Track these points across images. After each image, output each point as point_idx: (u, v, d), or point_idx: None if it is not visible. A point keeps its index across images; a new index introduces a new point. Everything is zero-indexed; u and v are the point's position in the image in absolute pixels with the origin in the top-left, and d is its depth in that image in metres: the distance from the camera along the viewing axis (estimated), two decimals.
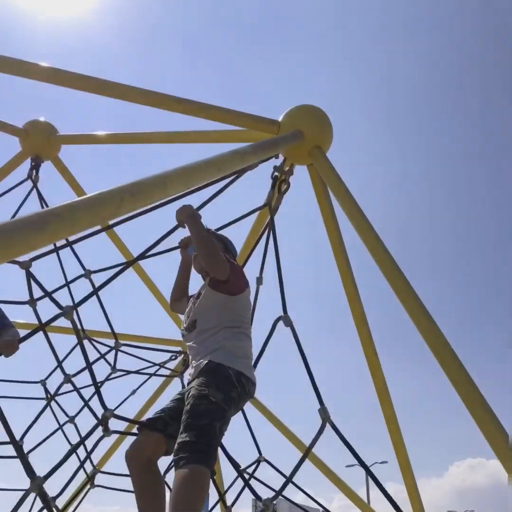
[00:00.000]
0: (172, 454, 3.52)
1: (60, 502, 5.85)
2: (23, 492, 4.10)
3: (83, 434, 5.38)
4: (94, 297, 6.81)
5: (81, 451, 5.76)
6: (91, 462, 6.45)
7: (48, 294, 5.07)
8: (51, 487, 4.95)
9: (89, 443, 5.23)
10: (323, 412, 4.17)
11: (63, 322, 4.55)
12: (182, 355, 8.17)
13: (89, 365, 4.72)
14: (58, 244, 6.04)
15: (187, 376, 4.27)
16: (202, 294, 4.37)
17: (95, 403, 4.66)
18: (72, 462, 5.50)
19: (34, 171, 7.47)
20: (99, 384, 6.86)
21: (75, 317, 6.54)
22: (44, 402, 6.93)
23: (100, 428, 4.38)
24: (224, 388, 3.81)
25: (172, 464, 3.64)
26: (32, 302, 5.23)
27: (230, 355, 4.01)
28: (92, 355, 7.26)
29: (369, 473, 4.24)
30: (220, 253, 4.27)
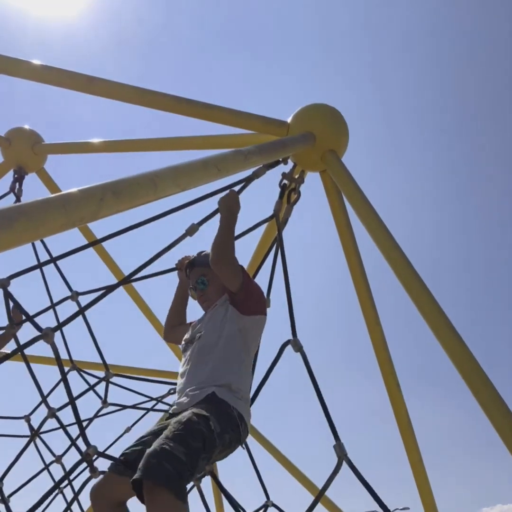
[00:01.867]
0: (145, 458, 3.17)
1: None
2: None
3: (72, 475, 5.23)
4: (84, 326, 6.72)
5: (69, 493, 5.63)
6: (80, 506, 6.29)
7: (29, 318, 4.91)
8: None
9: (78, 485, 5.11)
10: (339, 449, 3.95)
11: (51, 352, 4.39)
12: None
13: (72, 400, 4.56)
14: (41, 260, 5.93)
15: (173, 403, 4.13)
16: (215, 308, 4.33)
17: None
18: (61, 506, 5.37)
19: (17, 183, 7.37)
20: (87, 420, 6.80)
21: (62, 346, 6.44)
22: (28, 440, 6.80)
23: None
24: (223, 425, 3.65)
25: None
26: (11, 326, 5.08)
27: (236, 395, 3.89)
28: (81, 387, 7.14)
29: None
30: (235, 259, 4.26)
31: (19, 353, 4.80)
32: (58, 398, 6.49)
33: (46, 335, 4.15)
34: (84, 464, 4.37)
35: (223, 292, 4.37)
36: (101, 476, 3.80)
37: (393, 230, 4.69)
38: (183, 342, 4.44)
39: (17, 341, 4.99)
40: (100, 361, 7.18)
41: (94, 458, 4.11)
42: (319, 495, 4.03)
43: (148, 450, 3.22)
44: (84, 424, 5.20)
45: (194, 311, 4.81)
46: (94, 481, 4.32)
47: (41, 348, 4.46)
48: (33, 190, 7.58)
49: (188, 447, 3.26)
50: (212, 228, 4.83)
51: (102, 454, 4.05)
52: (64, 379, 4.55)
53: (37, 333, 4.26)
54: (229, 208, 4.44)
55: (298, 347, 4.43)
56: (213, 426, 3.50)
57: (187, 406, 3.78)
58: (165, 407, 8.12)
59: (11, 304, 5.01)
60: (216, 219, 4.86)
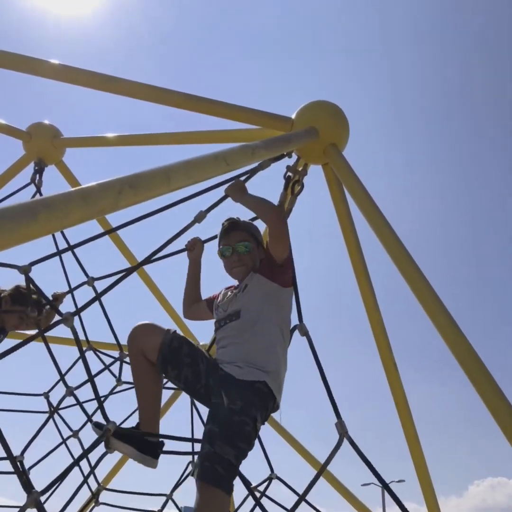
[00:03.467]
0: (200, 459, 3.46)
1: None
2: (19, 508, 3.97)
3: (89, 453, 5.26)
4: (99, 309, 6.75)
5: (85, 467, 5.65)
6: (96, 478, 6.34)
7: (49, 302, 4.94)
8: (56, 505, 4.83)
9: (95, 459, 5.14)
10: (341, 427, 4.00)
11: (68, 333, 4.41)
12: None
13: (91, 377, 4.61)
14: (59, 248, 5.95)
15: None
16: (249, 285, 4.25)
17: (99, 416, 4.52)
18: (78, 480, 5.39)
19: (37, 175, 7.38)
20: (103, 398, 6.82)
21: (79, 327, 6.47)
22: (47, 416, 6.83)
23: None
24: (264, 419, 3.84)
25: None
26: (32, 309, 5.11)
27: (279, 382, 3.96)
28: (97, 367, 7.17)
29: (388, 490, 4.06)
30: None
31: (40, 336, 4.82)
32: (73, 377, 6.53)
33: (66, 319, 4.18)
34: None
35: (253, 268, 4.35)
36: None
37: (393, 220, 4.69)
38: (215, 318, 4.41)
39: (38, 325, 5.03)
40: (115, 342, 7.22)
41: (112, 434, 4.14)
42: (321, 470, 4.05)
43: (202, 450, 3.51)
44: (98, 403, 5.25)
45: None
46: (109, 455, 4.39)
47: (58, 329, 4.49)
48: (53, 181, 7.60)
49: (238, 449, 3.49)
50: (219, 215, 4.87)
51: (121, 429, 4.06)
52: (83, 358, 4.58)
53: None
54: (241, 190, 4.53)
55: (304, 332, 4.46)
56: (258, 426, 3.68)
57: (237, 375, 3.83)
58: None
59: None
60: (222, 208, 4.92)
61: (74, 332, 4.34)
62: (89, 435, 6.63)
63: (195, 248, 4.93)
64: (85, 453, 4.52)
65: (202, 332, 8.24)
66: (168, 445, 4.16)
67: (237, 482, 4.57)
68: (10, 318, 5.86)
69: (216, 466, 3.35)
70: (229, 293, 4.43)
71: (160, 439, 4.08)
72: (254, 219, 4.86)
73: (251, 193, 4.55)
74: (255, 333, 4.02)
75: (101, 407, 4.29)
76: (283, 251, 4.18)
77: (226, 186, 4.75)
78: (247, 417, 3.57)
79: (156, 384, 4.16)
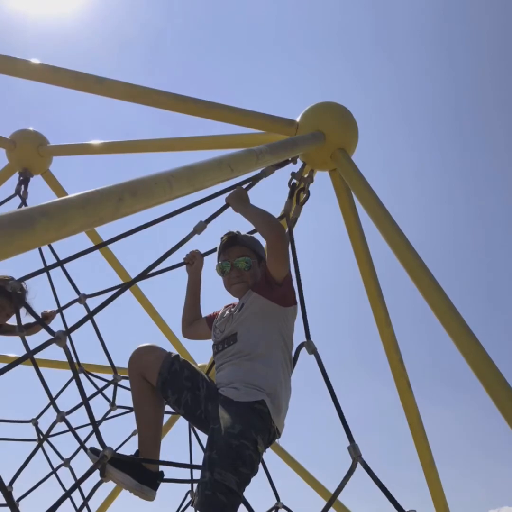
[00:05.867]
0: (200, 488, 3.41)
1: None
2: None
3: (82, 482, 5.24)
4: (91, 329, 6.73)
5: (78, 499, 5.62)
6: (89, 510, 6.31)
7: (39, 320, 4.91)
8: None
9: (87, 490, 5.11)
10: (354, 451, 3.94)
11: (56, 355, 4.40)
12: None
13: (85, 400, 4.58)
14: (48, 263, 5.93)
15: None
16: (246, 304, 4.23)
17: (93, 443, 4.50)
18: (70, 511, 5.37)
19: (22, 186, 7.37)
20: (97, 422, 6.79)
21: (70, 348, 6.45)
22: (36, 444, 6.81)
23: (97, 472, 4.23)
24: (265, 443, 3.81)
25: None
26: (19, 327, 5.08)
27: (278, 406, 3.93)
28: (89, 391, 7.13)
29: None
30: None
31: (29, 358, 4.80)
32: (63, 403, 6.50)
33: (58, 338, 4.13)
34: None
35: (253, 285, 4.32)
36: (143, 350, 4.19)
37: (405, 229, 4.67)
38: (213, 341, 4.41)
39: (26, 345, 5.00)
40: (108, 364, 7.20)
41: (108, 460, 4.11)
42: (333, 497, 4.02)
43: (202, 478, 3.44)
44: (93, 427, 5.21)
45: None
46: (104, 484, 4.37)
47: (46, 351, 4.46)
48: (39, 192, 7.58)
49: (239, 475, 3.45)
50: (222, 224, 4.85)
51: (118, 455, 4.04)
52: (77, 380, 4.54)
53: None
54: (241, 199, 4.52)
55: (312, 349, 4.41)
56: (260, 449, 3.65)
57: (235, 398, 3.84)
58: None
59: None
60: (222, 217, 4.89)
61: (67, 352, 4.31)
62: (81, 464, 6.61)
63: (194, 262, 4.90)
64: (77, 484, 4.48)
65: (201, 353, 8.23)
66: (166, 472, 4.14)
67: (242, 510, 4.56)
68: None
69: (217, 495, 3.31)
70: (227, 312, 4.42)
71: (160, 470, 4.06)
72: (253, 231, 4.83)
73: (253, 204, 4.53)
74: (254, 355, 4.01)
75: (96, 431, 4.26)
76: (282, 269, 4.16)
77: (227, 194, 4.73)
78: (246, 440, 3.53)
79: (157, 409, 4.15)
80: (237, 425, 3.58)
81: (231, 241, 4.51)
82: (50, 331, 4.29)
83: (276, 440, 4.14)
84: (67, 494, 4.48)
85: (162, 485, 4.11)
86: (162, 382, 3.98)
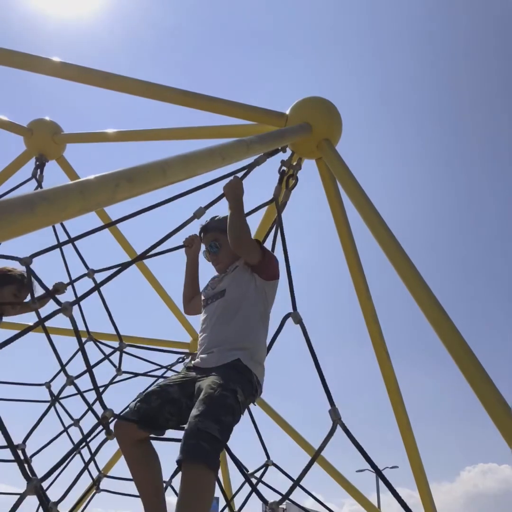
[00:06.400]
0: (184, 438, 3.29)
1: (66, 507, 5.72)
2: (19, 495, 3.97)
3: (88, 438, 5.27)
4: (99, 301, 6.75)
5: (86, 455, 5.66)
6: (97, 466, 6.34)
7: (49, 292, 4.93)
8: (57, 493, 4.84)
9: (95, 446, 5.15)
10: (334, 414, 3.96)
11: (69, 324, 4.41)
12: (190, 357, 8.01)
13: (89, 368, 4.62)
14: (60, 240, 5.96)
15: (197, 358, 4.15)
16: (235, 270, 4.33)
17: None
18: (78, 467, 5.40)
19: (38, 170, 7.40)
20: (103, 387, 6.83)
21: (80, 319, 6.46)
22: (48, 405, 6.85)
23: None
24: (246, 393, 3.75)
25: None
26: (33, 300, 5.11)
27: (257, 359, 3.96)
28: (97, 357, 7.17)
29: (381, 476, 4.06)
30: (251, 238, 4.32)
31: (40, 325, 4.82)
32: (75, 367, 6.53)
33: (65, 308, 4.18)
34: (100, 427, 4.43)
35: (236, 256, 4.40)
36: (119, 422, 3.85)
37: (385, 214, 4.72)
38: (203, 297, 4.45)
39: (38, 314, 5.02)
40: (114, 332, 7.23)
41: (110, 420, 4.15)
42: (315, 455, 4.03)
43: (185, 430, 3.34)
44: (100, 390, 5.25)
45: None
46: (110, 442, 4.39)
47: (60, 320, 4.49)
48: (53, 176, 7.61)
49: (221, 423, 3.37)
50: (216, 211, 4.87)
51: (118, 416, 4.07)
52: (82, 348, 4.58)
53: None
54: (234, 193, 4.46)
55: (298, 320, 4.43)
56: (240, 398, 3.60)
57: (213, 364, 3.84)
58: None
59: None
60: (221, 203, 4.91)
61: (73, 322, 4.34)
62: (90, 425, 6.66)
63: (193, 245, 4.94)
64: (85, 438, 4.52)
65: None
66: (168, 433, 4.12)
67: (234, 469, 4.58)
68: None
69: (200, 442, 3.22)
70: (221, 274, 4.50)
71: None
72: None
73: (243, 205, 4.46)
74: (235, 312, 4.07)
75: (99, 397, 4.30)
76: (252, 258, 4.25)
77: (225, 181, 4.76)
78: (226, 391, 3.52)
79: (151, 468, 3.92)
80: (216, 381, 3.58)
81: (203, 230, 4.68)
82: (58, 302, 4.32)
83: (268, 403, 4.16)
84: (76, 447, 4.54)
85: (165, 445, 4.11)
86: (145, 425, 3.76)
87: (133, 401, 3.89)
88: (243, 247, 4.24)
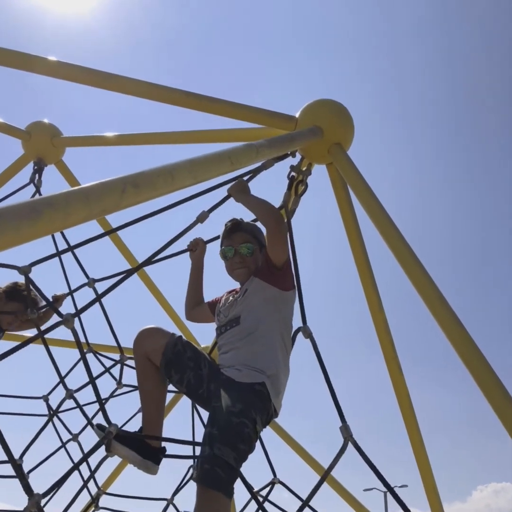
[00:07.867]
0: (200, 461, 3.43)
1: None
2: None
3: (89, 457, 5.26)
4: (99, 311, 6.74)
5: (85, 471, 5.66)
6: (96, 483, 6.33)
7: (49, 303, 4.93)
8: (55, 510, 4.82)
9: (94, 462, 5.13)
10: (345, 430, 3.94)
11: (68, 335, 4.41)
12: None
13: (92, 380, 4.59)
14: (59, 249, 5.95)
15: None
16: (249, 289, 4.25)
17: (100, 419, 4.51)
18: (77, 484, 5.39)
19: (36, 175, 7.38)
20: (104, 400, 6.80)
21: (79, 330, 6.44)
22: (46, 419, 6.84)
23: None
24: (264, 422, 3.84)
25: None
26: (32, 311, 5.10)
27: (278, 387, 3.96)
28: (98, 369, 7.16)
29: (393, 494, 4.03)
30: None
31: (40, 337, 4.81)
32: (73, 380, 6.52)
33: (67, 320, 4.17)
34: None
35: (255, 271, 4.35)
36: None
37: (398, 220, 4.68)
38: (216, 324, 4.42)
39: (38, 327, 5.02)
40: (115, 345, 7.21)
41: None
42: (325, 475, 4.01)
43: (202, 451, 3.47)
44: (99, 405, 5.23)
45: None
46: (113, 460, 4.38)
47: (58, 332, 4.48)
48: (52, 181, 7.59)
49: (238, 451, 3.47)
50: (222, 214, 4.86)
51: (123, 432, 4.05)
52: (84, 360, 4.57)
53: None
54: (242, 191, 4.51)
55: (308, 334, 4.41)
56: (258, 428, 3.67)
57: (236, 377, 3.87)
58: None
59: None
60: (224, 207, 4.91)
61: (75, 334, 4.32)
62: (88, 439, 6.63)
63: (197, 249, 4.93)
64: (85, 457, 4.51)
65: (204, 334, 8.23)
66: (169, 448, 4.16)
67: (240, 486, 4.57)
68: (4, 316, 5.82)
69: (216, 469, 3.33)
70: (230, 297, 4.44)
71: (163, 445, 4.08)
72: (255, 220, 4.85)
73: (253, 194, 4.55)
74: (255, 338, 4.03)
75: (102, 409, 4.28)
76: (281, 254, 4.19)
77: (228, 185, 4.75)
78: (246, 419, 3.56)
79: (160, 388, 4.18)
80: (238, 404, 3.61)
81: (235, 227, 4.53)
82: (59, 313, 4.32)
83: (274, 419, 4.15)
84: (76, 466, 4.52)
85: (166, 460, 4.13)
86: (165, 362, 4.00)
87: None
88: (282, 231, 4.25)
